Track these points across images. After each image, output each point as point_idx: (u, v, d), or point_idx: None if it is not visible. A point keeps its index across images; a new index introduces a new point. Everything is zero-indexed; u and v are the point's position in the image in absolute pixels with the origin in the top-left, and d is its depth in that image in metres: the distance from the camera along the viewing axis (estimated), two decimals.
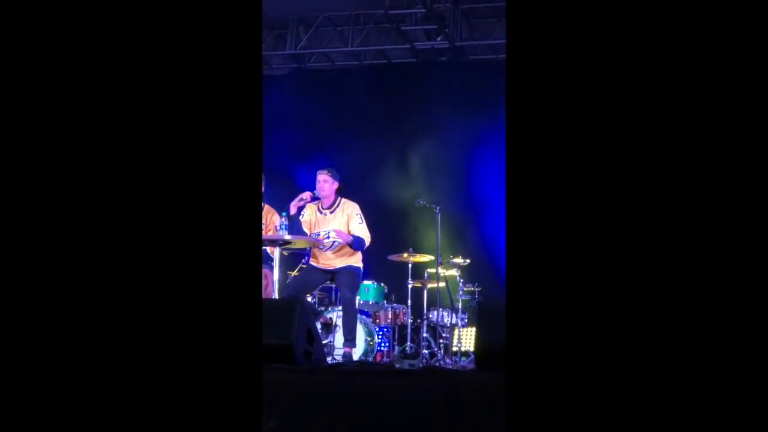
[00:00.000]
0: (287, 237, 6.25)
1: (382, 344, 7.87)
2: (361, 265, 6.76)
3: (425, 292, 8.12)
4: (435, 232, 7.83)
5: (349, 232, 6.65)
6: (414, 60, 9.90)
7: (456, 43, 9.43)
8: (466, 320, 8.15)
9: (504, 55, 9.71)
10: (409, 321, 8.03)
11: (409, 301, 8.00)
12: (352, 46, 9.94)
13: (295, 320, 4.49)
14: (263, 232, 6.67)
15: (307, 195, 6.57)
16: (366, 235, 6.66)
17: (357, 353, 7.09)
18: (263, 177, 6.79)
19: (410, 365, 7.11)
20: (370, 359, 7.44)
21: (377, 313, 8.04)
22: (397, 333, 8.18)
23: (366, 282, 7.80)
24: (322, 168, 6.77)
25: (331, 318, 7.60)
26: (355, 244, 6.59)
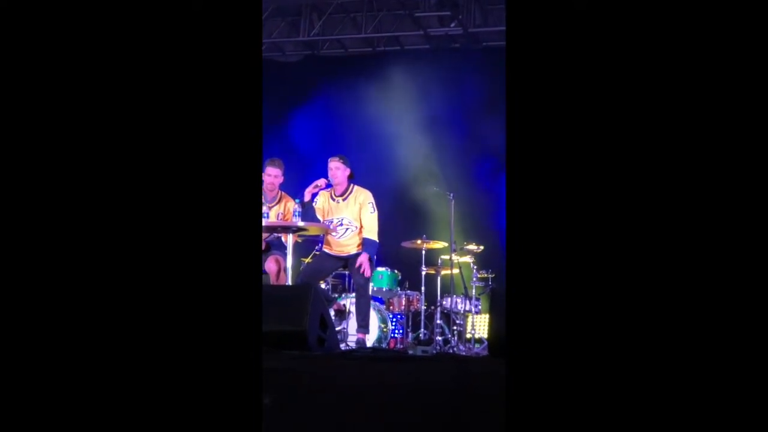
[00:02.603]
0: (300, 224, 6.27)
1: (396, 331, 7.87)
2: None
3: (439, 278, 8.12)
4: (449, 218, 7.82)
5: (360, 219, 6.66)
6: (427, 46, 9.87)
7: (469, 30, 9.39)
8: (479, 307, 8.15)
9: None
10: (423, 308, 8.04)
11: (423, 288, 8.00)
12: (365, 33, 9.90)
13: (309, 307, 4.50)
14: (282, 218, 6.69)
15: (321, 182, 6.59)
16: (374, 229, 6.67)
17: (370, 340, 7.11)
18: (282, 167, 6.82)
19: (423, 352, 7.12)
20: (384, 346, 7.45)
21: (391, 300, 8.05)
22: (411, 320, 8.18)
23: (380, 269, 7.80)
24: (333, 155, 6.77)
25: (344, 305, 7.61)
26: (370, 251, 6.60)
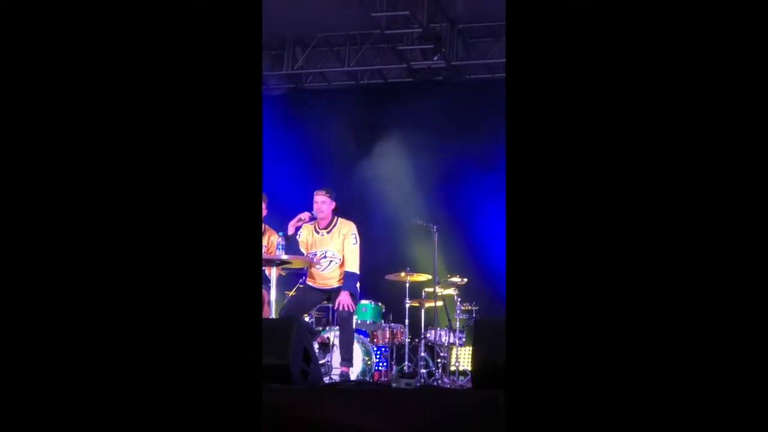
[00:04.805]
0: (284, 257, 6.26)
1: (380, 364, 7.84)
2: (357, 284, 6.76)
3: (423, 311, 8.12)
4: (432, 251, 7.83)
5: (342, 251, 6.65)
6: (410, 80, 9.93)
7: (452, 63, 9.47)
8: (463, 339, 8.14)
9: (500, 75, 9.71)
10: (407, 340, 8.01)
11: (407, 321, 7.98)
12: (348, 66, 9.97)
13: (292, 340, 4.48)
14: (266, 252, 6.68)
15: (305, 215, 6.59)
16: (355, 261, 6.67)
17: (354, 373, 7.07)
18: (266, 200, 6.81)
19: (407, 384, 7.09)
20: (368, 379, 7.42)
21: (375, 333, 8.02)
22: (395, 352, 8.16)
23: (363, 301, 7.77)
24: (319, 188, 6.78)
25: (328, 338, 7.58)
26: (351, 287, 6.59)
